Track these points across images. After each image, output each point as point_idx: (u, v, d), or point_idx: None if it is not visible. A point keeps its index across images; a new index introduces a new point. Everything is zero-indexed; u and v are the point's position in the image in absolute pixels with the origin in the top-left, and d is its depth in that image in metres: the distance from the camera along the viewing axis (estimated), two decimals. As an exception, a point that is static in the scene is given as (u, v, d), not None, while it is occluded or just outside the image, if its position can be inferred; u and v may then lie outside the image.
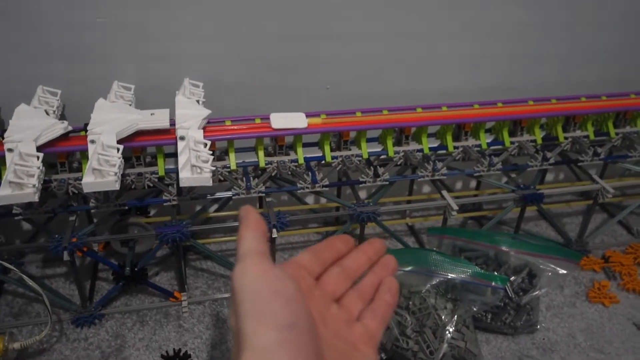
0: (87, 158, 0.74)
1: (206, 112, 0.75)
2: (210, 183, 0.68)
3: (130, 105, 0.77)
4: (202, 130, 0.72)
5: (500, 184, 0.91)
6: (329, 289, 0.38)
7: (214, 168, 0.69)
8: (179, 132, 0.71)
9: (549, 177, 1.15)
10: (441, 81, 0.95)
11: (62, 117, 0.78)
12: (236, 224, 0.87)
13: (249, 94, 0.89)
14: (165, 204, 0.79)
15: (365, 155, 0.84)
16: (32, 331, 0.80)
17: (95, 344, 0.78)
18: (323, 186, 0.83)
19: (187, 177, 0.67)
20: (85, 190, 0.65)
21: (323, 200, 1.04)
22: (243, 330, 0.27)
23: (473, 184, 1.14)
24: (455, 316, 0.75)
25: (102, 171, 0.65)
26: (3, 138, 0.68)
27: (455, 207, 0.84)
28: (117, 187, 0.65)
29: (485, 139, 0.88)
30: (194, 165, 0.67)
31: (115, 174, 0.65)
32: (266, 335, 0.27)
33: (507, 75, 0.98)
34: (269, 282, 0.29)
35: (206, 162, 0.68)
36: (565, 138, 0.92)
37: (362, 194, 1.08)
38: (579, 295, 0.90)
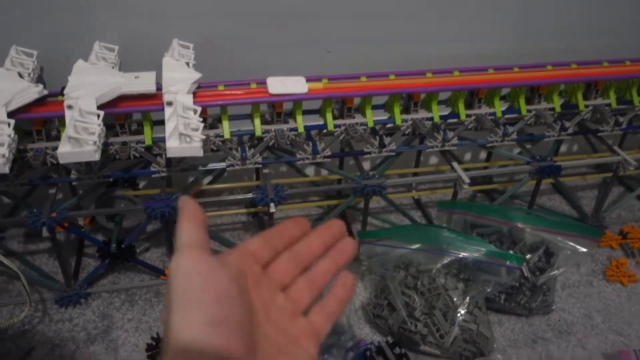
0: (65, 125, 0.68)
1: (196, 75, 0.68)
2: (200, 153, 0.62)
3: (113, 68, 0.70)
4: (191, 95, 0.66)
5: (515, 155, 0.85)
6: (277, 277, 0.34)
7: (204, 137, 0.62)
8: (166, 97, 0.64)
9: (562, 148, 1.09)
10: (453, 46, 0.88)
11: (39, 81, 0.71)
12: (231, 197, 0.81)
13: (244, 56, 0.82)
14: (154, 175, 0.73)
15: (371, 124, 0.77)
16: (13, 311, 0.75)
17: (81, 325, 0.73)
18: (324, 157, 0.77)
19: (174, 146, 0.61)
20: (62, 160, 0.59)
21: (324, 172, 0.97)
22: (170, 324, 0.27)
23: (482, 155, 1.08)
24: (468, 297, 0.70)
25: (79, 140, 0.58)
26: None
27: (467, 180, 0.78)
28: (96, 157, 0.59)
29: (500, 107, 0.82)
30: (182, 134, 0.60)
31: (95, 142, 0.59)
32: (191, 331, 0.26)
33: (523, 39, 0.90)
34: (202, 276, 0.28)
35: (196, 130, 0.62)
36: (586, 106, 0.85)
37: (366, 166, 1.02)
38: (595, 273, 0.85)
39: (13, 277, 0.79)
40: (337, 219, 0.38)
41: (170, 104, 0.64)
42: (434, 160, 1.06)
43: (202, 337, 0.26)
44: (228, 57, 0.81)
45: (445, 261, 0.70)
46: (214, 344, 0.26)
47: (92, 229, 0.87)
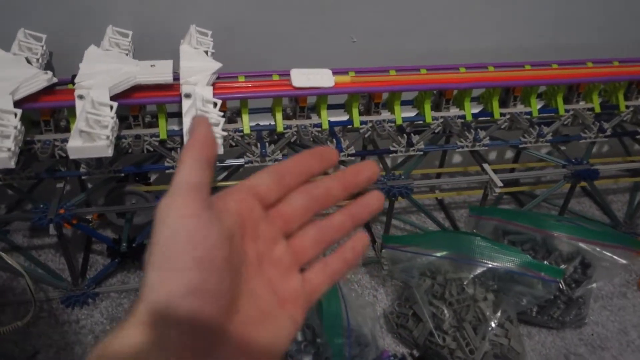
0: (75, 116, 0.63)
1: (216, 65, 0.63)
2: (221, 151, 0.57)
3: (127, 54, 0.66)
4: (211, 87, 0.61)
5: (550, 158, 0.80)
6: (282, 222, 0.29)
7: (225, 133, 0.58)
8: (184, 89, 0.60)
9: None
10: (487, 39, 0.83)
11: (47, 68, 0.66)
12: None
13: (263, 45, 0.77)
14: (167, 171, 0.69)
15: (399, 121, 0.72)
16: (17, 311, 0.71)
17: (88, 327, 0.69)
18: (348, 155, 0.72)
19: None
20: (72, 156, 0.54)
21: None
22: (145, 280, 0.24)
23: (508, 154, 1.03)
24: (500, 311, 0.65)
25: (91, 134, 0.54)
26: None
27: (500, 184, 0.73)
28: (109, 153, 0.55)
29: (536, 106, 0.77)
30: (201, 129, 0.55)
31: (108, 137, 0.54)
32: (165, 294, 0.24)
33: (562, 33, 0.85)
34: (187, 232, 0.25)
35: (217, 125, 0.57)
36: (627, 107, 0.80)
37: (387, 163, 0.97)
38: (629, 284, 0.81)
39: (17, 274, 0.75)
40: (372, 162, 0.30)
41: (188, 96, 0.59)
42: (457, 159, 1.01)
43: (175, 303, 0.24)
44: (247, 45, 0.76)
45: (478, 271, 0.66)
46: (187, 309, 0.24)
47: (101, 224, 0.83)
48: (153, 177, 0.86)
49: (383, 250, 0.78)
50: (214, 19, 0.72)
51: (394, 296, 0.76)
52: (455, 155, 1.00)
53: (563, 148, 0.82)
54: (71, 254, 0.70)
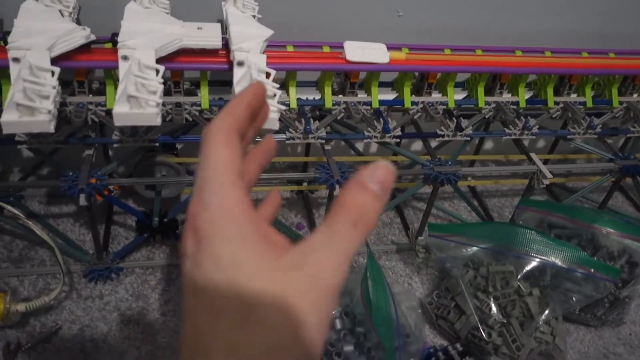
0: (112, 78, 0.58)
1: (268, 32, 0.58)
2: (277, 126, 0.53)
3: (167, 13, 0.60)
4: (265, 56, 0.56)
5: (598, 151, 0.77)
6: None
7: (283, 107, 0.53)
8: (238, 56, 0.55)
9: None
10: (545, 20, 0.79)
11: (78, 23, 0.61)
12: (285, 175, 0.72)
13: (306, 13, 0.72)
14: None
15: (452, 104, 0.69)
16: (36, 282, 0.66)
17: (113, 303, 0.65)
18: (394, 137, 0.69)
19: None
20: (117, 123, 0.49)
21: (378, 153, 0.89)
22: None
23: (541, 144, 1.00)
24: (548, 308, 0.63)
25: (139, 99, 0.49)
26: (6, 43, 0.52)
27: (549, 175, 0.70)
28: (158, 122, 0.50)
29: (591, 96, 0.73)
30: (259, 102, 0.51)
31: (157, 104, 0.49)
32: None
33: (613, 18, 0.81)
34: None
35: (272, 98, 0.53)
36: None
37: (417, 146, 0.94)
38: (666, 284, 0.79)
39: (35, 243, 0.71)
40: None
41: (241, 64, 0.55)
42: (488, 145, 0.98)
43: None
44: (288, 12, 0.71)
45: (527, 265, 0.63)
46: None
47: (120, 194, 0.79)
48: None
49: (419, 238, 0.76)
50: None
51: (430, 285, 0.74)
52: (487, 141, 0.97)
53: (610, 141, 0.79)
54: (96, 226, 0.65)
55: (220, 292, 0.23)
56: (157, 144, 0.63)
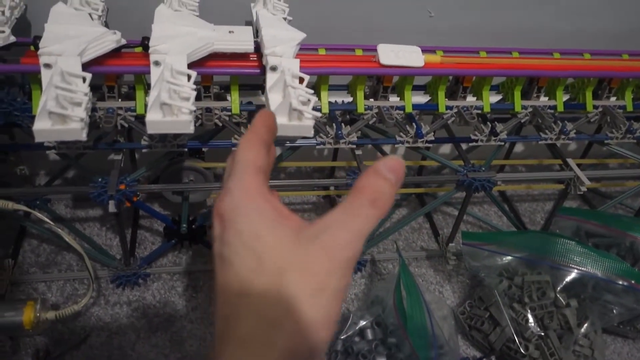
0: (141, 83, 0.57)
1: (301, 35, 0.57)
2: (311, 133, 0.51)
3: (196, 15, 0.59)
4: (298, 61, 0.55)
5: (634, 156, 0.74)
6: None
7: (319, 114, 0.52)
8: (271, 60, 0.53)
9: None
10: (584, 21, 0.76)
11: (106, 26, 0.60)
12: (317, 181, 0.70)
13: (334, 14, 0.71)
14: (234, 148, 0.63)
15: (487, 108, 0.66)
16: (64, 288, 0.66)
17: (141, 310, 0.65)
18: (426, 142, 0.67)
19: (287, 124, 0.50)
20: (150, 130, 0.48)
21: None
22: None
23: (572, 147, 0.97)
24: (588, 321, 0.61)
25: (172, 107, 0.48)
26: (36, 47, 0.51)
27: (587, 182, 0.68)
28: (191, 129, 0.49)
29: (631, 100, 0.71)
30: (294, 109, 0.49)
31: (191, 112, 0.48)
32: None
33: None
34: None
35: (306, 104, 0.51)
36: None
37: (445, 149, 0.92)
38: None
39: (62, 248, 0.70)
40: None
41: (274, 69, 0.53)
42: (517, 148, 0.95)
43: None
44: (316, 13, 0.69)
45: (569, 278, 0.61)
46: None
47: (147, 197, 0.78)
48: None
49: (450, 245, 0.74)
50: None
51: (461, 294, 0.72)
52: (517, 145, 0.94)
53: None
54: (124, 232, 0.65)
55: (246, 262, 0.26)
56: (186, 149, 0.62)
